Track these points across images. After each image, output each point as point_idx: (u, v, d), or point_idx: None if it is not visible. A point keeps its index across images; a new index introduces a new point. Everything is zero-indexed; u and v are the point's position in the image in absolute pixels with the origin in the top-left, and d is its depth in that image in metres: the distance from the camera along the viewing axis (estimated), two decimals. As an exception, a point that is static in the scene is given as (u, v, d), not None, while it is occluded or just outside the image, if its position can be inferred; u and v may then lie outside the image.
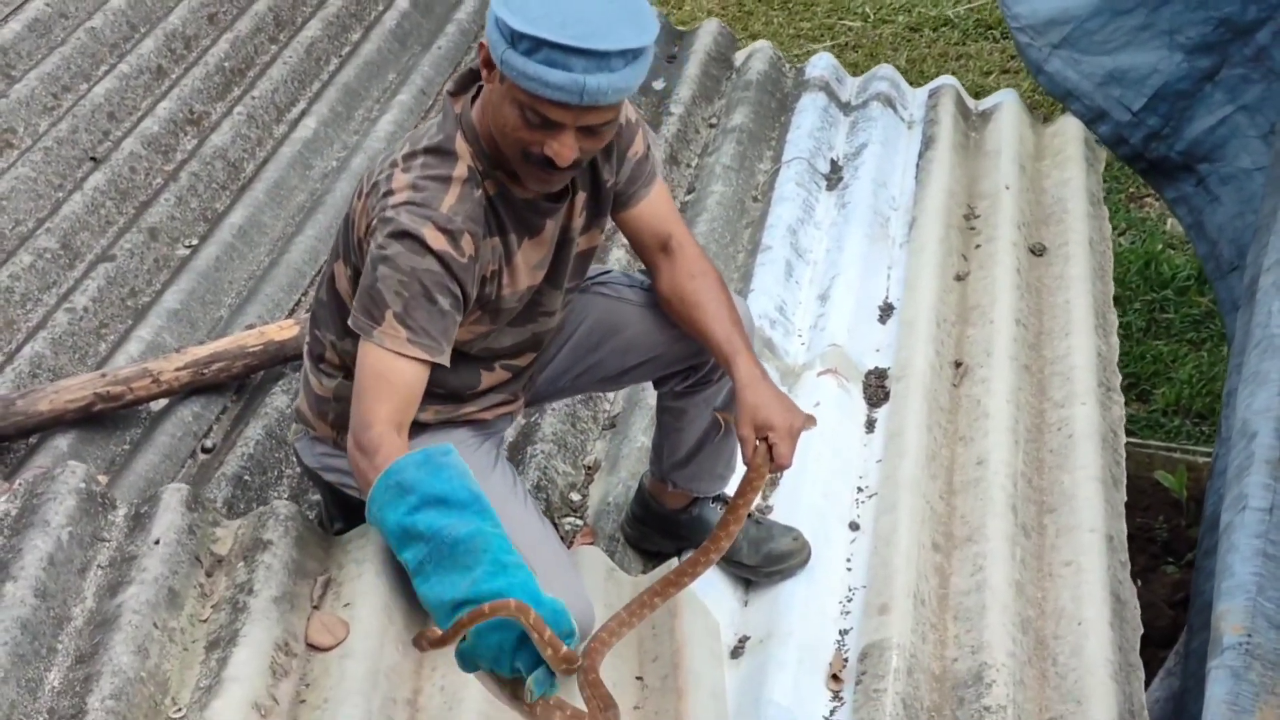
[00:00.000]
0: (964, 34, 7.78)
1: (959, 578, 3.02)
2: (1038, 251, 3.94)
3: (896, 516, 3.07)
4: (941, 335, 3.60)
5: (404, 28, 4.49)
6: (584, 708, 2.27)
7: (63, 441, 3.07)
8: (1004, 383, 3.44)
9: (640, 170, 2.67)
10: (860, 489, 3.23)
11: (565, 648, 2.17)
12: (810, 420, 2.64)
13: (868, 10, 7.96)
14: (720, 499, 3.04)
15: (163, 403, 3.22)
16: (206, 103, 4.11)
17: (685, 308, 2.70)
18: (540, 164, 2.37)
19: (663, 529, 3.03)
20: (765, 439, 2.57)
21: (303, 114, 4.12)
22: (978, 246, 3.92)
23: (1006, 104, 4.48)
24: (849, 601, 2.95)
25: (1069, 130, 4.39)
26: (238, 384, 3.30)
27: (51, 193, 3.75)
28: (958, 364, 3.57)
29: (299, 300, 3.56)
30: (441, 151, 2.45)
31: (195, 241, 3.69)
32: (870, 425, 3.40)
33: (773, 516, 3.08)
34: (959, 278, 3.82)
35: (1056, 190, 4.16)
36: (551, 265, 2.60)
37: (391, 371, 2.41)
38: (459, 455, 2.36)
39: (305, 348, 2.72)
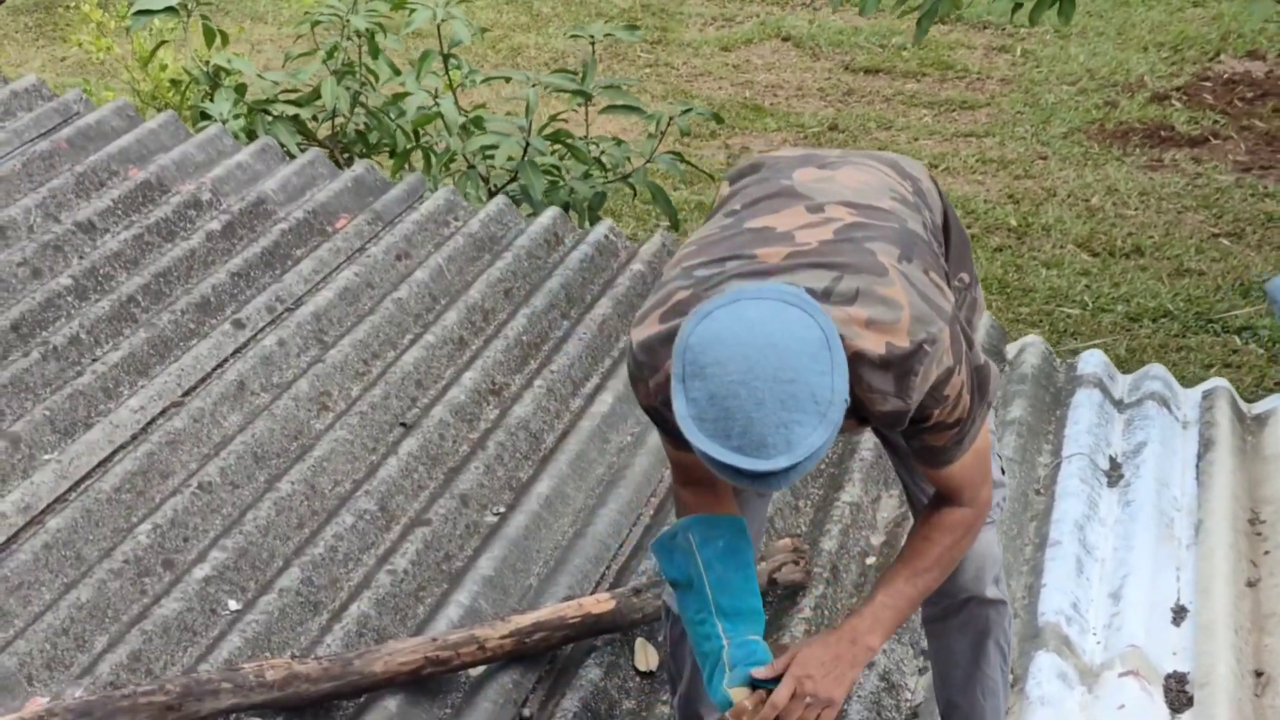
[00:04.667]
0: (1184, 326, 7.82)
1: None
2: (1326, 561, 3.93)
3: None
4: (1239, 643, 3.59)
5: (689, 309, 4.65)
6: None
7: (391, 703, 3.16)
8: (1310, 695, 3.42)
9: (935, 454, 2.58)
10: (1170, 799, 3.20)
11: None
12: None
13: (1086, 299, 8.05)
14: None
15: (480, 669, 3.31)
16: (506, 374, 4.27)
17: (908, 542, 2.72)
18: None
19: None
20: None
21: (597, 389, 4.27)
22: (1266, 553, 3.92)
23: (1281, 410, 4.51)
24: None
25: (1349, 438, 4.40)
26: (550, 654, 3.39)
27: (366, 455, 3.92)
28: (1258, 674, 3.55)
29: (604, 573, 3.66)
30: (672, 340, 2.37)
31: (503, 509, 3.81)
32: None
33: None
34: (1250, 584, 3.81)
35: (1340, 498, 4.17)
36: None
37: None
38: (690, 528, 2.61)
39: None
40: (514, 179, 5.80)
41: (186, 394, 4.05)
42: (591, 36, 5.98)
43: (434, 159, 5.86)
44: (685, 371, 2.22)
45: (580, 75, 5.83)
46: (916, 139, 10.25)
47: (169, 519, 3.59)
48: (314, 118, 6.09)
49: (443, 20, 5.75)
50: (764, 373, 2.19)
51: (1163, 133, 10.14)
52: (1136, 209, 9.26)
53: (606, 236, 4.96)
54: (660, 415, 2.50)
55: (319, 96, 6.00)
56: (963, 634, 2.99)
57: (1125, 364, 7.26)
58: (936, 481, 2.66)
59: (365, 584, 3.50)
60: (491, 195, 5.85)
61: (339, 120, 6.10)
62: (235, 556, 3.51)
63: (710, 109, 6.11)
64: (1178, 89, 10.65)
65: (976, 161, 9.91)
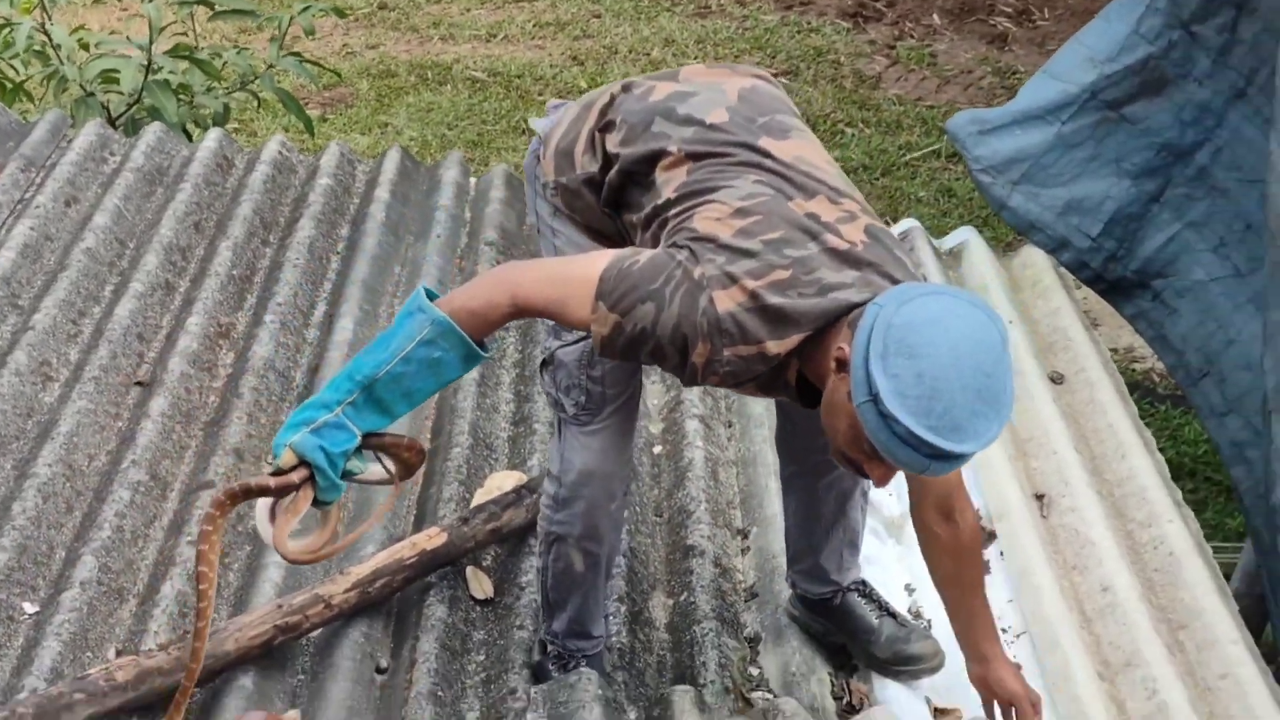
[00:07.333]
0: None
1: (1135, 703, 3.17)
2: (1057, 380, 4.16)
3: (1065, 652, 3.21)
4: (1014, 469, 3.77)
5: (391, 219, 4.49)
6: None
7: (246, 680, 2.97)
8: (1094, 510, 3.62)
9: None
10: (1004, 630, 3.33)
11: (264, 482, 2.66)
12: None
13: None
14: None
15: (320, 630, 3.15)
16: (229, 313, 4.03)
17: (946, 577, 2.97)
18: (852, 467, 2.46)
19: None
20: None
21: (329, 316, 4.06)
22: (1005, 380, 4.10)
23: (972, 242, 4.71)
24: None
25: (1038, 261, 4.64)
26: (388, 600, 3.26)
27: (113, 423, 3.64)
28: (1039, 496, 3.74)
29: (407, 505, 3.53)
30: (782, 321, 2.42)
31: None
32: (985, 566, 3.52)
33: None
34: (1001, 412, 3.99)
35: (1049, 320, 4.40)
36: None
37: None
38: (439, 329, 2.55)
39: None
40: (136, 103, 5.43)
41: (-110, 385, 3.67)
42: (187, -58, 5.63)
43: (49, 88, 5.42)
44: (888, 349, 2.26)
45: (191, -17, 5.49)
46: (469, 9, 10.13)
47: (-74, 526, 3.25)
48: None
49: (30, -62, 5.30)
50: (970, 363, 2.26)
51: (703, -21, 10.35)
52: (696, 57, 9.44)
53: (280, 153, 4.71)
54: (699, 368, 2.47)
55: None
56: (830, 490, 3.05)
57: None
58: (929, 488, 2.84)
59: (167, 560, 3.27)
60: (112, 122, 5.47)
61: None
62: (15, 555, 3.21)
63: (331, 3, 5.84)
64: (707, -67, 10.86)
65: (534, 26, 9.89)
